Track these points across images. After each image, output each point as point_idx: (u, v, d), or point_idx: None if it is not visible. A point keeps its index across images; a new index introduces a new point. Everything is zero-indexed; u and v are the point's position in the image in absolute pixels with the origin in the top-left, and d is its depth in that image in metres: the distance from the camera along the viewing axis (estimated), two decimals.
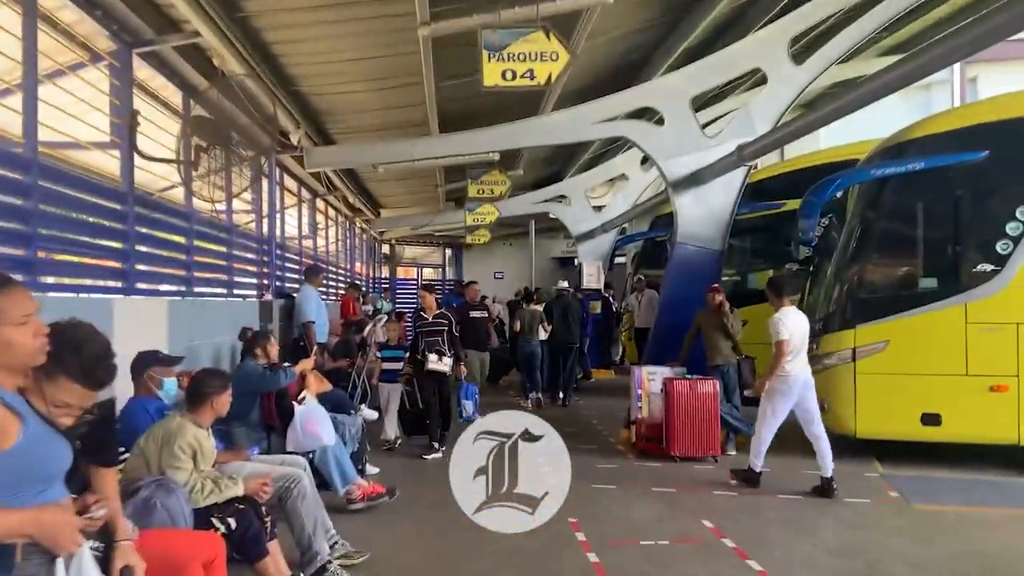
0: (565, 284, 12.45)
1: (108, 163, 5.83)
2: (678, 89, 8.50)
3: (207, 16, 5.68)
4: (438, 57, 7.14)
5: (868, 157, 8.00)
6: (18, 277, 2.96)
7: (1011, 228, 6.89)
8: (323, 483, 5.41)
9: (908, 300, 7.24)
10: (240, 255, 8.34)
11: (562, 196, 16.37)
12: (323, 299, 9.31)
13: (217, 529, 3.66)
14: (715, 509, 5.86)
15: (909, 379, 7.02)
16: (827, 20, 8.14)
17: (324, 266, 12.54)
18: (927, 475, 6.89)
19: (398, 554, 4.92)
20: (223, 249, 7.76)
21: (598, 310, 14.74)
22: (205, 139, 5.66)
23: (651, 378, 7.99)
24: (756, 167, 9.15)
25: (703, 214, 8.66)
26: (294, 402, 5.59)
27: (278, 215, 10.08)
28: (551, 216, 16.92)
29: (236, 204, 8.76)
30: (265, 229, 9.33)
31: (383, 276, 23.86)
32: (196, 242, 6.81)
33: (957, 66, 16.97)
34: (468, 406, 8.78)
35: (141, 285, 5.76)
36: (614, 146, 15.41)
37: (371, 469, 6.84)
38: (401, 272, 25.52)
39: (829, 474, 6.23)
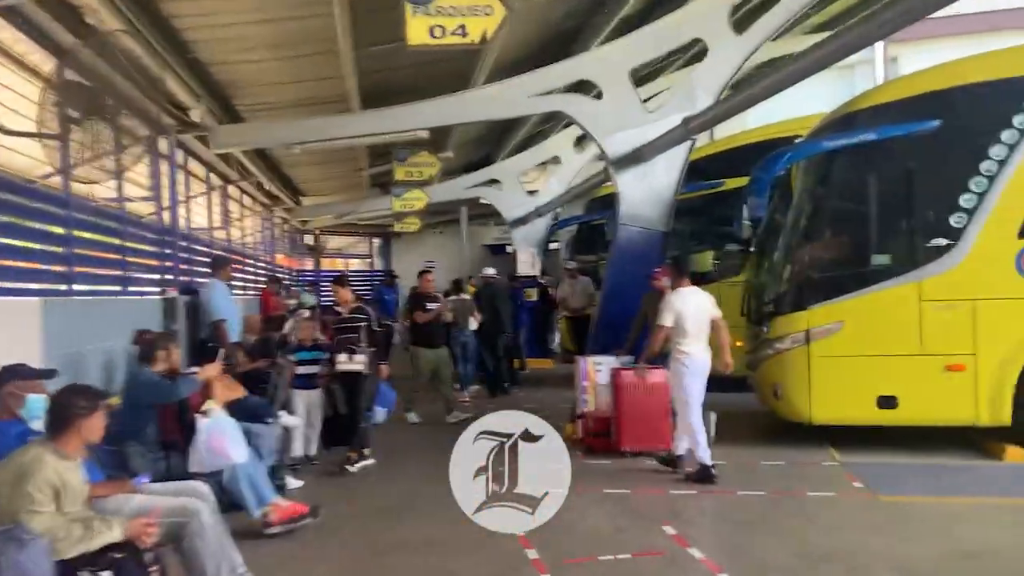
0: (492, 271, 11.84)
1: None
2: (616, 61, 8.11)
3: None
4: (356, 20, 6.43)
5: (816, 129, 7.67)
6: None
7: (965, 200, 6.60)
8: (235, 503, 4.70)
9: (862, 278, 6.91)
10: (137, 247, 7.45)
11: (494, 180, 15.91)
12: (236, 294, 8.43)
13: None
14: (675, 513, 5.39)
15: (865, 361, 6.72)
16: None
17: (235, 257, 11.57)
18: (887, 461, 6.62)
19: None
20: (115, 241, 6.85)
21: (534, 297, 14.28)
22: (77, 109, 4.75)
23: (598, 369, 7.50)
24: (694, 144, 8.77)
25: (646, 193, 8.27)
26: (197, 414, 4.84)
27: (183, 202, 9.13)
28: (483, 201, 16.46)
29: (133, 191, 7.83)
30: (167, 218, 8.39)
31: (308, 269, 22.92)
32: (76, 232, 5.89)
33: (879, 45, 17.22)
34: (380, 413, 7.77)
35: (2, 284, 4.88)
36: (547, 126, 14.93)
37: (293, 483, 6.10)
38: (327, 264, 24.55)
39: (682, 452, 6.31)
